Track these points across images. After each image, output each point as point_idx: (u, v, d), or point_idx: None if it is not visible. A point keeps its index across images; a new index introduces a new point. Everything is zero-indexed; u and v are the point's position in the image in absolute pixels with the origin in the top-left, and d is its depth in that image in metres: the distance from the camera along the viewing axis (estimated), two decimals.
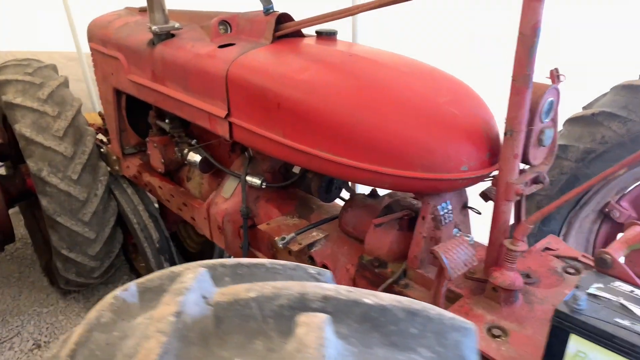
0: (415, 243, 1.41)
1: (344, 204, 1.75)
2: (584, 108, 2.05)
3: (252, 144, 1.74)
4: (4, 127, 3.31)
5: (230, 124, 1.75)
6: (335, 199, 2.00)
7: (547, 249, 1.53)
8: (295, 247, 1.71)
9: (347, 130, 1.34)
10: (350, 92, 1.36)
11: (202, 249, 3.38)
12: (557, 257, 1.46)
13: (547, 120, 1.25)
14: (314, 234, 1.78)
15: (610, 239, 2.11)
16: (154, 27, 2.01)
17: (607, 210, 2.01)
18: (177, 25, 2.06)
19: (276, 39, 1.77)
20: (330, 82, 1.41)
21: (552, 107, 1.26)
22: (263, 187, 1.95)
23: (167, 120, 2.44)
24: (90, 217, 2.78)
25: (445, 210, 1.41)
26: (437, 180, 1.26)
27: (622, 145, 1.82)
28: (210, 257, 3.29)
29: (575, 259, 1.45)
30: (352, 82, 1.39)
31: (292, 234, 1.74)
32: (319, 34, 1.78)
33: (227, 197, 2.04)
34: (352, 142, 1.34)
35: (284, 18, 1.79)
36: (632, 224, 1.25)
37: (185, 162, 2.40)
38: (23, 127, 2.68)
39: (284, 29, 1.76)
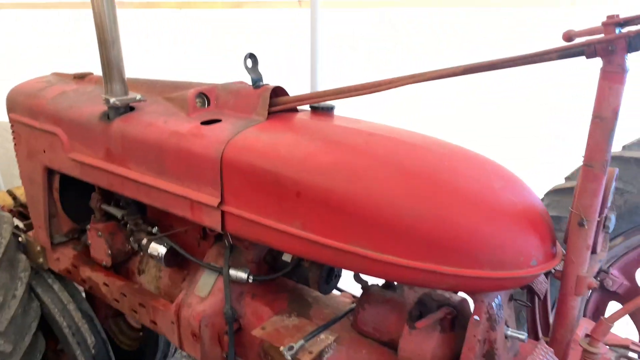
0: (469, 348, 1.22)
1: (360, 299, 1.53)
2: (567, 179, 2.06)
3: (252, 236, 1.48)
4: None
5: (223, 213, 1.48)
6: (333, 289, 1.77)
7: (588, 335, 1.42)
8: (306, 358, 1.44)
9: (395, 224, 1.15)
10: (393, 178, 1.19)
11: (141, 347, 2.90)
12: (607, 345, 1.35)
13: (609, 204, 1.17)
14: (322, 336, 1.53)
15: (600, 307, 2.09)
16: (112, 100, 1.71)
17: (599, 279, 1.99)
18: (138, 97, 1.78)
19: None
20: (365, 166, 1.23)
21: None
22: (250, 281, 1.67)
23: (113, 204, 2.09)
24: (6, 325, 2.24)
25: (498, 308, 1.24)
26: (506, 279, 1.11)
27: (619, 217, 1.82)
28: (153, 357, 2.82)
29: (627, 347, 1.35)
30: (392, 166, 1.22)
31: (301, 341, 1.47)
32: (315, 108, 1.61)
33: (204, 296, 1.72)
34: (402, 237, 1.14)
35: (277, 92, 1.60)
36: None
37: (141, 253, 2.05)
38: None
39: (280, 105, 1.57)
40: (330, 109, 1.59)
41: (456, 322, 1.33)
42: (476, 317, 1.21)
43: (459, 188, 1.15)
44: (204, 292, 1.73)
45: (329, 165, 1.26)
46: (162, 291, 2.03)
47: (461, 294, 1.43)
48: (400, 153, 1.26)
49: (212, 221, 1.52)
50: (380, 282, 1.57)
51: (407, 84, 1.25)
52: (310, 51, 2.79)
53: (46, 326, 2.49)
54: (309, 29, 2.69)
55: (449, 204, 1.12)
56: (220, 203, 1.47)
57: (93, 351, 2.46)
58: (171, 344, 2.91)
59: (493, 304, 1.23)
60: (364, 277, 1.56)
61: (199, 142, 1.51)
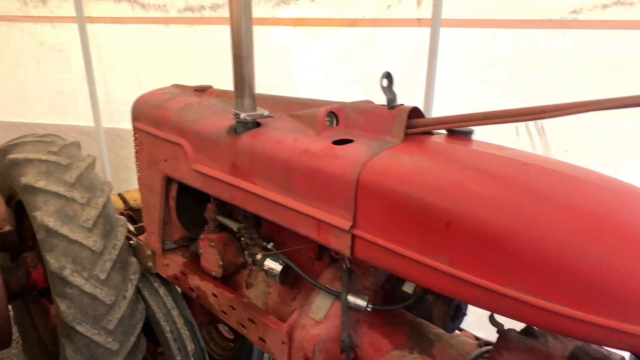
0: None
1: (497, 344, 1.40)
2: None
3: (384, 265, 1.41)
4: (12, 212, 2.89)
5: (354, 237, 1.42)
6: (457, 327, 1.65)
7: None
8: None
9: (568, 270, 1.02)
10: (565, 216, 1.06)
11: (233, 357, 2.91)
12: None
13: None
14: None
15: None
16: (242, 115, 1.71)
17: None
18: (266, 113, 1.77)
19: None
20: (529, 200, 1.12)
21: None
22: (369, 309, 1.59)
23: (228, 216, 2.11)
24: (115, 324, 2.33)
25: None
26: None
27: None
28: None
29: None
30: (560, 202, 1.09)
31: None
32: (452, 132, 1.51)
33: (319, 319, 1.67)
34: (577, 285, 1.02)
35: (413, 113, 1.53)
36: None
37: (251, 266, 2.04)
38: (45, 215, 2.28)
39: (416, 127, 1.49)
40: (469, 134, 1.50)
41: None
42: None
43: None
44: (319, 316, 1.67)
45: (486, 197, 1.15)
46: (270, 307, 2.00)
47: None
48: (566, 187, 1.14)
49: (341, 244, 1.46)
50: (509, 323, 1.44)
51: (580, 112, 1.12)
52: (427, 70, 2.71)
53: (146, 328, 2.55)
54: (427, 48, 2.61)
55: (632, 252, 0.98)
56: (352, 227, 1.41)
57: (192, 358, 2.48)
58: (264, 358, 2.90)
59: None
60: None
61: (333, 162, 1.46)
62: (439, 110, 2.90)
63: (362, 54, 3.12)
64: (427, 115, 1.59)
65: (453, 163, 1.30)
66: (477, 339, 1.70)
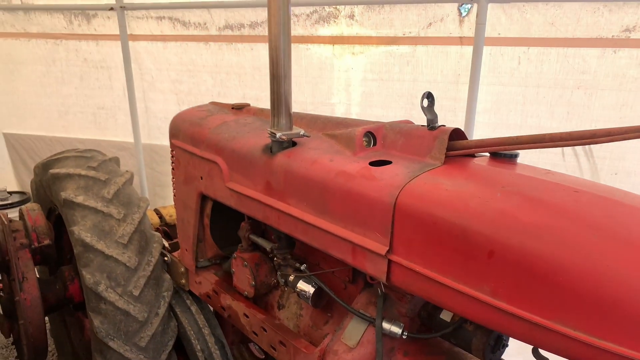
0: None
1: None
2: None
3: (422, 293, 1.35)
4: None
5: (390, 263, 1.37)
6: (498, 358, 1.57)
7: None
8: None
9: (624, 308, 0.95)
10: (621, 250, 0.99)
11: None
12: None
13: None
14: None
15: None
16: (278, 134, 1.70)
17: None
18: (302, 132, 1.75)
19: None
20: (581, 231, 1.05)
21: None
22: (404, 337, 1.53)
23: (262, 236, 2.09)
24: (147, 341, 2.32)
25: None
26: None
27: None
28: None
29: None
30: (616, 235, 1.02)
31: None
32: (496, 155, 1.45)
33: (352, 345, 1.61)
34: (633, 324, 0.94)
35: (455, 134, 1.48)
36: None
37: (284, 287, 2.01)
38: (82, 230, 2.32)
39: (458, 149, 1.44)
40: (514, 157, 1.43)
41: None
42: None
43: None
44: (352, 342, 1.62)
45: (534, 226, 1.09)
46: (302, 330, 1.96)
47: None
48: (623, 218, 1.06)
49: (376, 270, 1.42)
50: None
51: (636, 137, 1.05)
52: (468, 90, 2.65)
53: (177, 345, 2.54)
54: (469, 66, 2.55)
55: None
56: (388, 251, 1.36)
57: None
58: None
59: None
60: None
61: (369, 184, 1.42)
62: (480, 130, 2.82)
63: (402, 73, 3.08)
64: (467, 136, 1.54)
65: (498, 188, 1.24)
66: None
